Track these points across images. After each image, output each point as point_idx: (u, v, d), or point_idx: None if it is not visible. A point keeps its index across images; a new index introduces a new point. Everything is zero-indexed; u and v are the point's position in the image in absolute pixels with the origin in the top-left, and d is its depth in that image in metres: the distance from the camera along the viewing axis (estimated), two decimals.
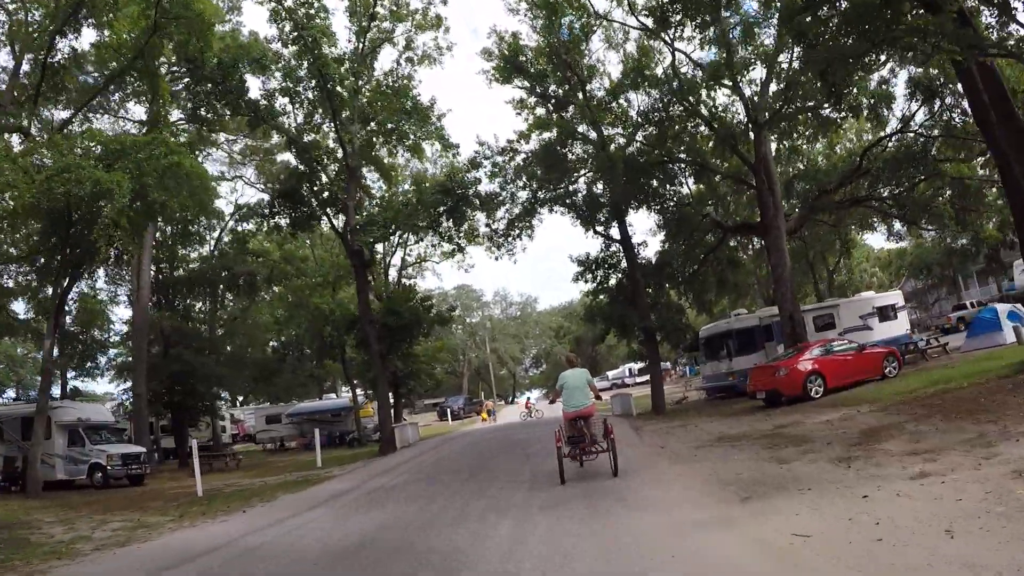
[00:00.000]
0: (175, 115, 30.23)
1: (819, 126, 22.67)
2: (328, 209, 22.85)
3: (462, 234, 22.01)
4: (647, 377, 54.76)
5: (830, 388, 15.43)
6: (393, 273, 35.52)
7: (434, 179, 22.00)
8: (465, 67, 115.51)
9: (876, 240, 66.45)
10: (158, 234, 33.11)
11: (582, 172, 23.77)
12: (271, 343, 46.21)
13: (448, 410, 47.07)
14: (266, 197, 26.53)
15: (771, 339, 23.51)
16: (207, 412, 32.37)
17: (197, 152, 32.36)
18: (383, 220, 19.74)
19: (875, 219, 29.91)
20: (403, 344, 23.07)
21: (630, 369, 59.57)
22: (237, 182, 34.96)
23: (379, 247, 35.93)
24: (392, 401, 36.63)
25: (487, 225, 22.82)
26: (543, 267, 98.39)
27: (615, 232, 23.84)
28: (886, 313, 25.17)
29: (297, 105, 23.74)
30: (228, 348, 39.58)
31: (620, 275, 23.85)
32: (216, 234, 34.21)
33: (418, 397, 70.19)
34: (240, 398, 56.67)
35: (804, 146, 27.85)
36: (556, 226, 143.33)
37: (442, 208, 19.18)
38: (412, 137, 22.10)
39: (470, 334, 72.64)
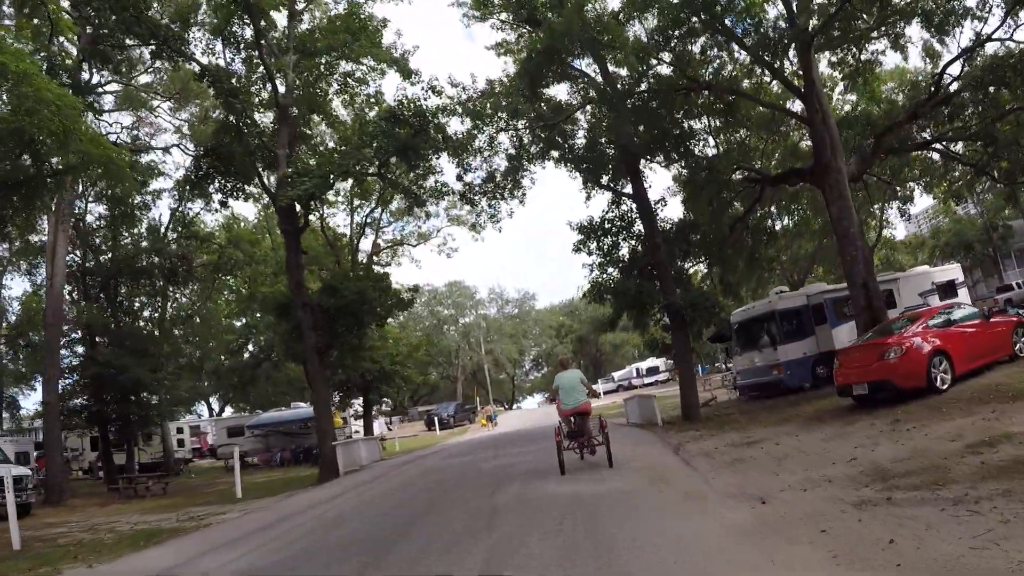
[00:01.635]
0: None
1: (864, 65, 18.13)
2: (260, 167, 17.98)
3: (424, 189, 16.91)
4: (655, 379, 50.30)
5: (957, 375, 10.39)
6: (363, 260, 30.67)
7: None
8: (454, 56, 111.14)
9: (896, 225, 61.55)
10: (89, 217, 28.93)
11: (579, 109, 18.86)
12: (248, 348, 41.93)
13: (435, 419, 41.94)
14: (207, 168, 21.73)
15: (823, 321, 18.89)
16: (145, 423, 27.36)
17: (131, 112, 28.32)
18: (318, 170, 14.76)
19: (928, 179, 25.16)
20: (348, 334, 17.26)
21: (638, 369, 54.61)
22: (174, 155, 30.26)
23: (345, 231, 31.35)
24: (364, 410, 31.88)
25: (458, 177, 17.70)
26: (536, 227, 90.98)
27: (625, 189, 18.97)
28: (946, 290, 21.86)
29: (233, 49, 19.43)
30: (186, 350, 35.03)
31: (634, 242, 18.79)
32: (162, 217, 29.76)
33: (412, 404, 65.54)
34: (217, 407, 52.15)
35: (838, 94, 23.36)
36: (551, 178, 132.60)
37: (391, 146, 14.10)
38: (360, 64, 17.28)
39: (463, 335, 67.57)
